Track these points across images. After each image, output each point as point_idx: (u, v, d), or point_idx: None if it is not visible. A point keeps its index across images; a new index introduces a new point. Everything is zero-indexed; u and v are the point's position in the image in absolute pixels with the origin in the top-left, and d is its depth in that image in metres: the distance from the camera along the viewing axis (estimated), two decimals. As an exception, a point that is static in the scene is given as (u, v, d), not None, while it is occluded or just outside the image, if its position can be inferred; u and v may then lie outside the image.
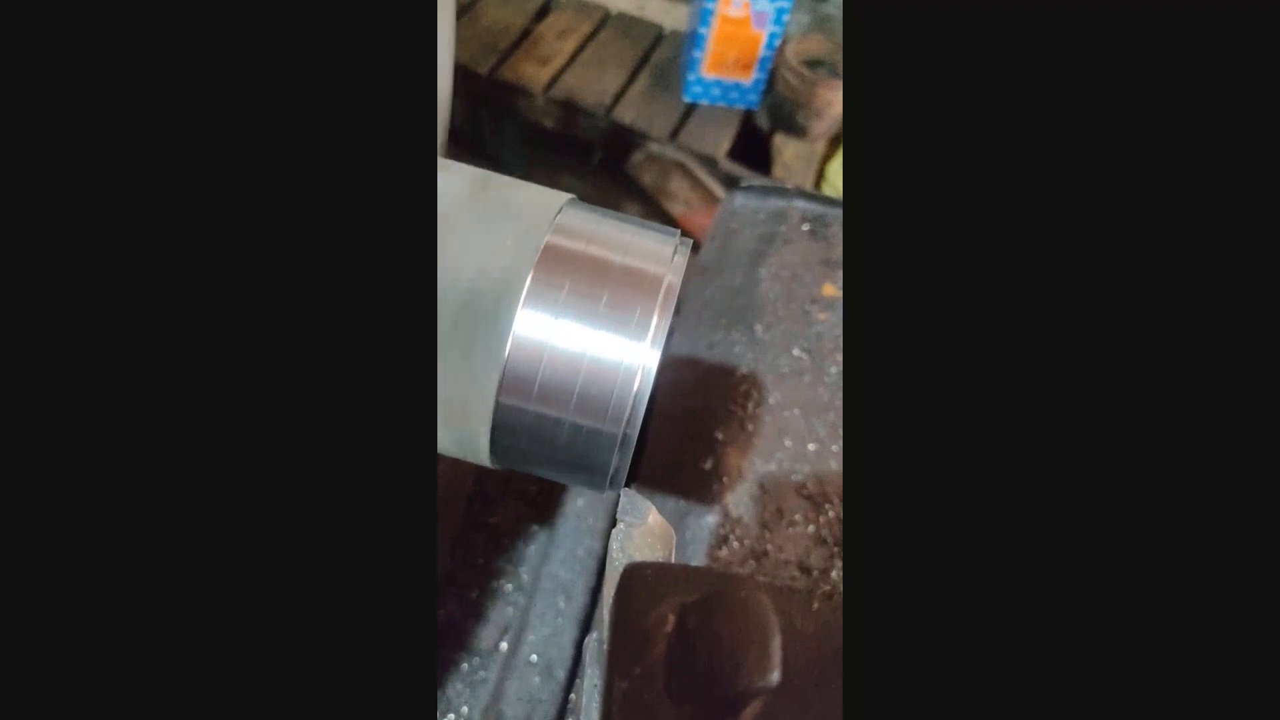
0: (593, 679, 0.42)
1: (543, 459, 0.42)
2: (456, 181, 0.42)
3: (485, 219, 0.40)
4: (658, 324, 0.39)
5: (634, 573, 0.33)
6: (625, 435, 0.39)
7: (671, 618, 0.29)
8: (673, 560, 0.43)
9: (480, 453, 0.42)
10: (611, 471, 0.41)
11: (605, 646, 0.33)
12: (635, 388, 0.39)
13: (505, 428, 0.40)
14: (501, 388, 0.39)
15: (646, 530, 0.43)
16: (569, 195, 0.43)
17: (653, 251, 0.41)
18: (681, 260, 0.41)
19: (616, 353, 0.39)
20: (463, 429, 0.41)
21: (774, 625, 0.26)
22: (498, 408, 0.39)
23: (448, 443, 0.43)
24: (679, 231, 0.43)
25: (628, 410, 0.39)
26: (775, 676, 0.25)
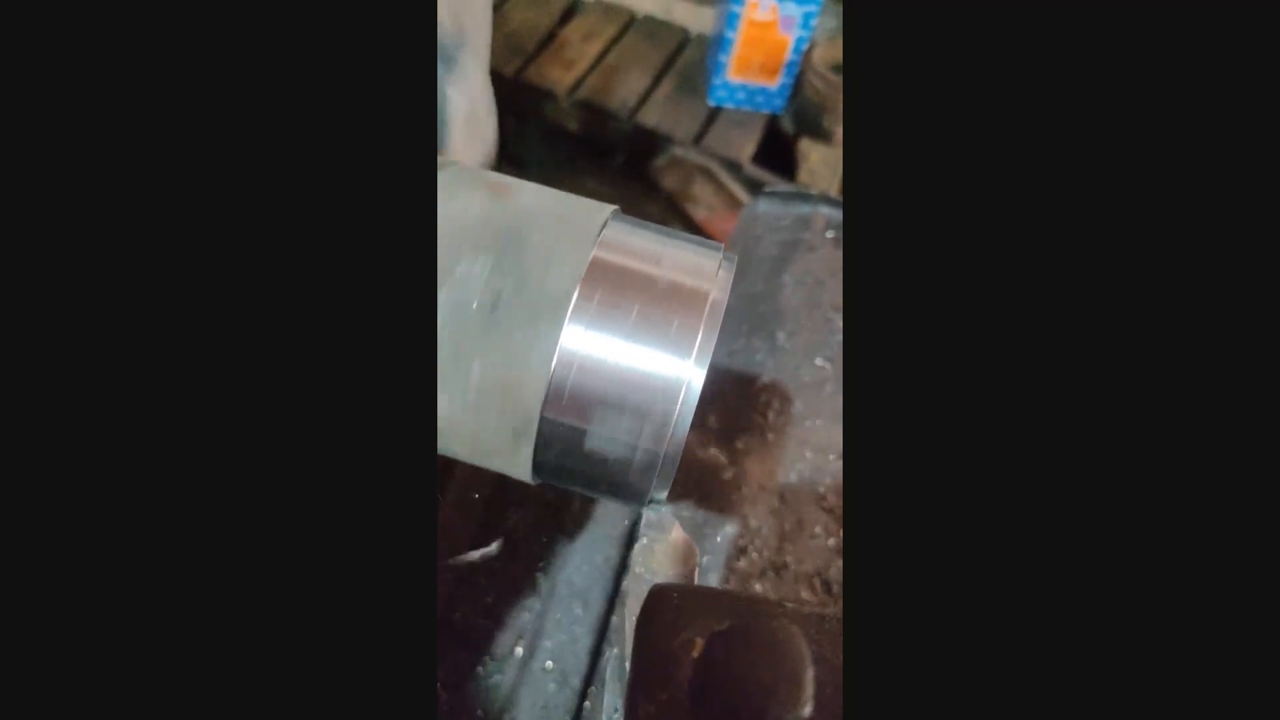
0: (613, 696, 0.41)
1: (582, 475, 0.41)
2: (501, 193, 0.42)
3: (530, 231, 0.40)
4: (702, 341, 0.38)
5: (660, 595, 0.32)
6: (667, 454, 0.39)
7: (699, 642, 0.28)
8: (695, 577, 0.42)
9: (522, 467, 0.41)
10: (650, 489, 0.41)
11: (628, 667, 0.32)
12: (679, 405, 0.38)
13: (547, 442, 0.40)
14: (546, 402, 0.38)
15: (669, 546, 0.43)
16: (613, 207, 0.43)
17: (698, 266, 0.40)
18: (726, 275, 0.41)
19: (661, 369, 0.38)
20: (505, 443, 0.40)
21: (807, 657, 0.25)
22: (541, 422, 0.39)
23: (488, 457, 0.42)
24: (723, 246, 0.43)
25: (671, 428, 0.38)
26: (808, 710, 0.25)
